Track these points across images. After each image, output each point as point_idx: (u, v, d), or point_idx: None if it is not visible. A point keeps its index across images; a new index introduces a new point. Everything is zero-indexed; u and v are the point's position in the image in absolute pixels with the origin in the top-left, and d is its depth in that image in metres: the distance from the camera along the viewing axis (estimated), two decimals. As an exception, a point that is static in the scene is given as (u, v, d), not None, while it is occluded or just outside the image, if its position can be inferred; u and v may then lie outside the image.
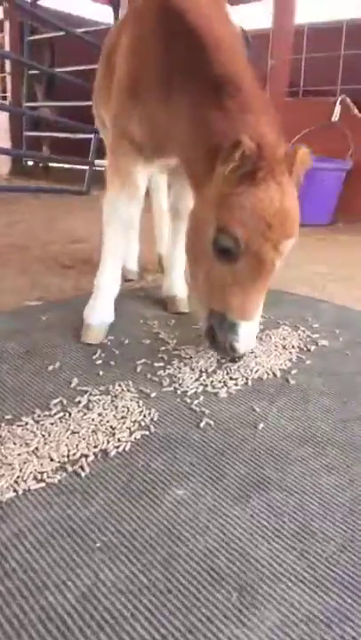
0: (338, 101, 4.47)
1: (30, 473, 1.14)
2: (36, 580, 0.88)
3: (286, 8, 5.35)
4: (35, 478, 1.13)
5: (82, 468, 1.17)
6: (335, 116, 4.46)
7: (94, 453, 1.22)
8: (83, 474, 1.15)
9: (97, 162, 5.70)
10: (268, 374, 1.61)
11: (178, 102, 1.61)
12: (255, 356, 1.71)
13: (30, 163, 7.74)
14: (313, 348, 1.83)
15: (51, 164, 7.77)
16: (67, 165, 7.82)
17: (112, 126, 1.93)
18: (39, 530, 0.99)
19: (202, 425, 1.36)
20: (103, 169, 2.04)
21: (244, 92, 1.53)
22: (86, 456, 1.21)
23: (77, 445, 1.24)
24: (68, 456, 1.21)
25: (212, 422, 1.37)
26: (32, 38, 6.84)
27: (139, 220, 2.64)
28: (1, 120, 7.59)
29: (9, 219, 4.12)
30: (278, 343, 1.81)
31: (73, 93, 6.04)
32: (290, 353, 1.76)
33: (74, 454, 1.21)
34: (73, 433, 1.28)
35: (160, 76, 1.66)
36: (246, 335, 1.52)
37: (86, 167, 5.93)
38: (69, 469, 1.16)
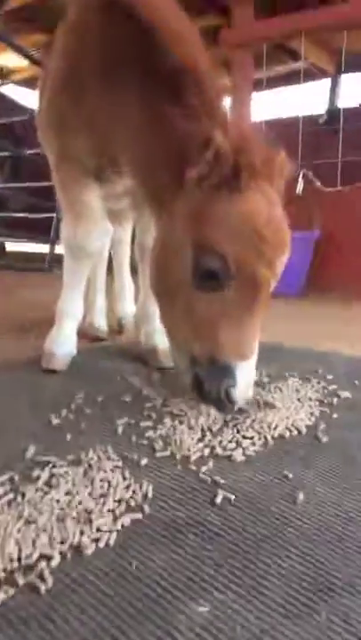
0: (300, 176, 4.51)
1: None
2: None
3: (241, 101, 5.60)
4: None
5: (41, 577, 0.73)
6: (298, 190, 4.48)
7: (61, 552, 0.78)
8: (42, 587, 0.71)
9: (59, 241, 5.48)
10: (292, 431, 1.22)
11: (123, 102, 1.38)
12: (271, 411, 1.33)
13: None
14: (335, 400, 1.47)
15: (8, 248, 7.53)
16: (25, 249, 7.60)
17: (52, 150, 1.73)
18: None
19: (218, 500, 0.93)
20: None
21: (210, 88, 1.31)
22: (48, 558, 0.77)
23: (34, 542, 0.80)
24: (18, 559, 0.76)
25: (231, 496, 0.95)
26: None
27: (104, 273, 2.36)
28: None
29: None
30: (292, 396, 1.45)
31: (38, 174, 5.97)
32: (309, 406, 1.39)
33: (28, 556, 0.77)
34: (28, 523, 0.84)
35: (100, 72, 1.44)
36: (245, 378, 1.22)
37: (46, 246, 5.69)
38: (20, 582, 0.72)
